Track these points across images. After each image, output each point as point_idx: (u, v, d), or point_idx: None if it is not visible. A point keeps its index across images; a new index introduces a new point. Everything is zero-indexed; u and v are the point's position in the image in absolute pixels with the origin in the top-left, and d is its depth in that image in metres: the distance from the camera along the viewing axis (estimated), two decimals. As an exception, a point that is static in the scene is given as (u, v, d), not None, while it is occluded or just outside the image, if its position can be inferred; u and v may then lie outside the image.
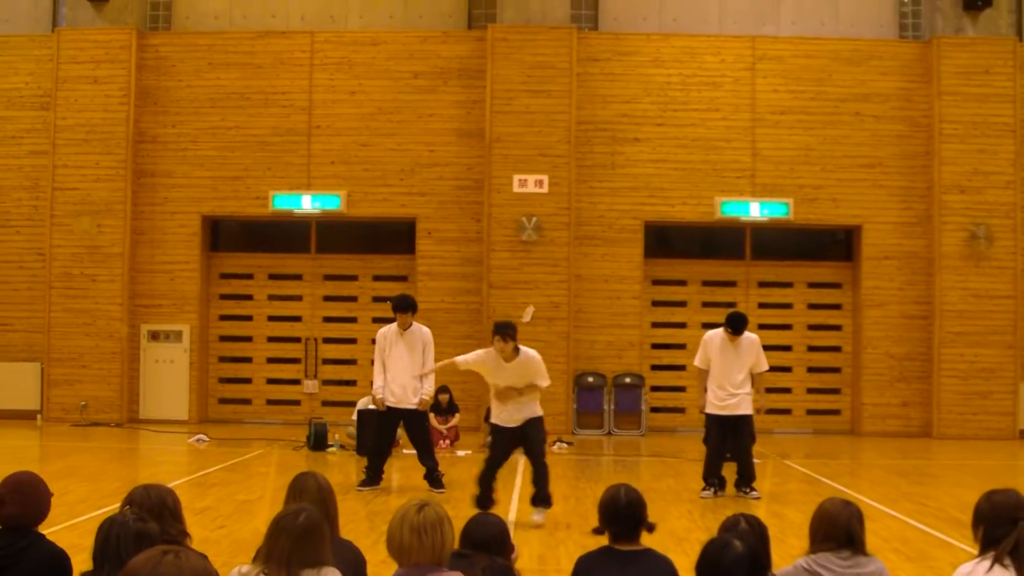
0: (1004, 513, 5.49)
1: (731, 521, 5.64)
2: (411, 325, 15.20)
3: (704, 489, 14.89)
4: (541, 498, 12.81)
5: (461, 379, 22.86)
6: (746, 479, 14.93)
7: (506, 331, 12.77)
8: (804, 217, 24.12)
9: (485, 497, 12.90)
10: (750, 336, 15.23)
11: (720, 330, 15.20)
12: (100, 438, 21.54)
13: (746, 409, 14.96)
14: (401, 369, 15.03)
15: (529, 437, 13.02)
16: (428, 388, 15.20)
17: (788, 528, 11.83)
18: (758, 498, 14.67)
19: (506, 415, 13.04)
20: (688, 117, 24.26)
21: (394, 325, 15.22)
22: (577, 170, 23.88)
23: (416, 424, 15.25)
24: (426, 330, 15.31)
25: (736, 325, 15.03)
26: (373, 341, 15.96)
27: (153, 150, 24.51)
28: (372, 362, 15.88)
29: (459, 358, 13.60)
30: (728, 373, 14.94)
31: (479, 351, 13.63)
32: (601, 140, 24.22)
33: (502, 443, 13.19)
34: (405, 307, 15.24)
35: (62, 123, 24.14)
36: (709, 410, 15.10)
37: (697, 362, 15.35)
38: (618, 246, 24.17)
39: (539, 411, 13.14)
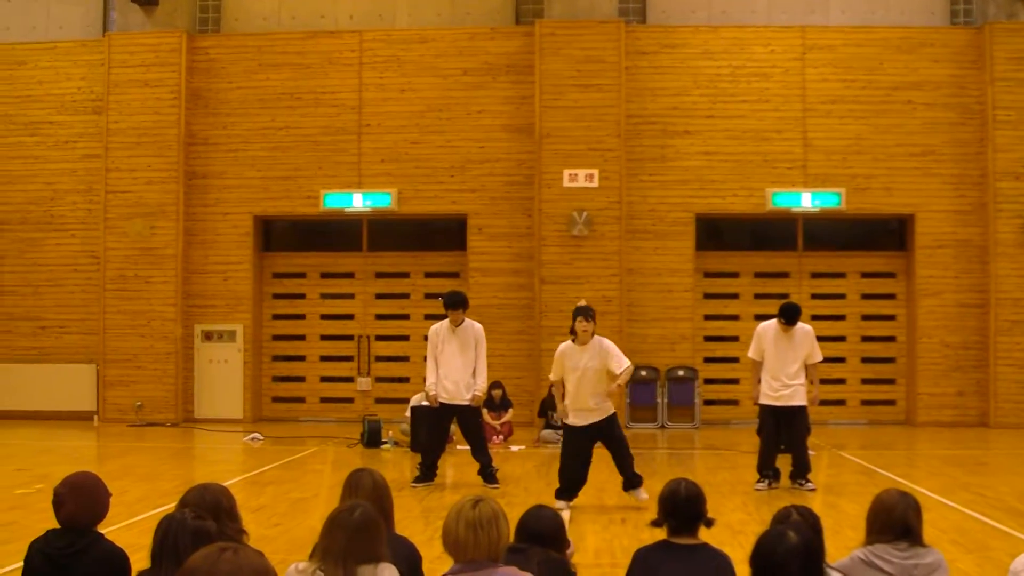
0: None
1: (783, 513, 5.62)
2: (463, 322, 15.21)
3: (759, 481, 14.84)
4: (634, 480, 13.46)
5: (515, 374, 23.00)
6: (801, 471, 14.84)
7: (588, 312, 13.41)
8: (856, 207, 23.95)
9: (567, 491, 13.29)
10: (804, 327, 15.14)
11: (773, 321, 15.16)
12: (156, 438, 21.71)
13: (800, 400, 14.88)
14: (454, 366, 15.05)
15: (610, 436, 13.49)
16: (481, 384, 15.21)
17: (844, 519, 11.77)
18: (813, 490, 14.59)
19: (576, 415, 13.32)
20: (738, 109, 24.15)
21: (446, 322, 15.23)
22: (627, 164, 23.83)
23: (470, 420, 15.26)
24: (478, 326, 15.34)
25: (790, 315, 14.96)
26: (425, 338, 15.97)
27: (204, 152, 24.68)
28: (425, 359, 15.88)
29: (553, 376, 13.80)
30: (782, 364, 14.87)
31: (555, 359, 13.73)
32: (651, 133, 24.16)
33: (575, 443, 13.39)
34: (456, 304, 15.24)
35: (114, 127, 24.35)
36: (763, 401, 15.04)
37: (751, 353, 15.29)
38: (669, 239, 24.10)
39: (611, 408, 13.55)
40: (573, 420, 13.40)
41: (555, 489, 13.45)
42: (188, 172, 24.52)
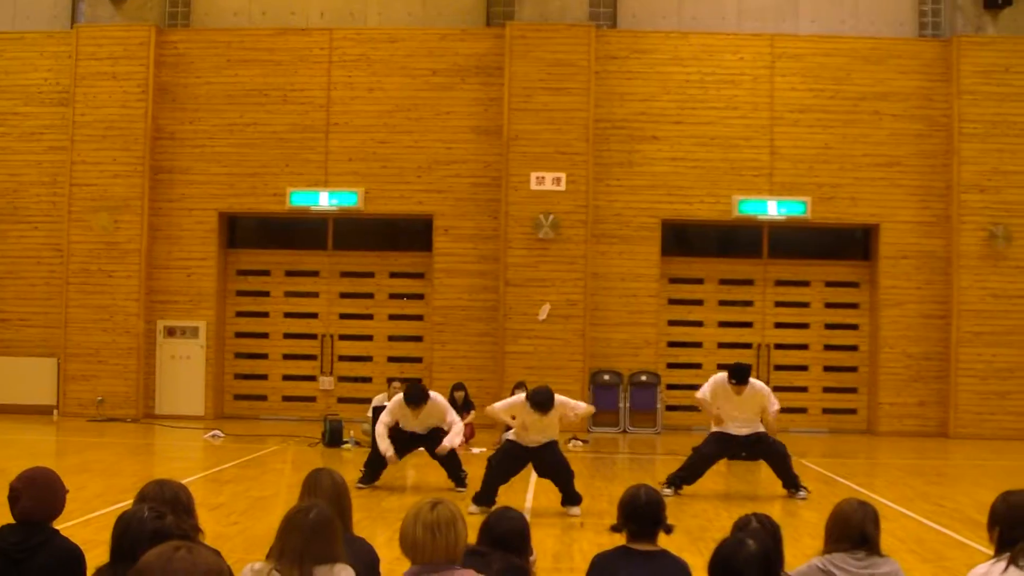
0: (1020, 514, 5.47)
1: (743, 520, 5.63)
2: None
3: (666, 486, 14.44)
4: (573, 497, 13.26)
5: (478, 376, 22.98)
6: (794, 482, 14.76)
7: (546, 407, 12.93)
8: (822, 216, 24.06)
9: (488, 497, 13.18)
10: (755, 384, 14.83)
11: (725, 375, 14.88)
12: (116, 434, 21.58)
13: (759, 427, 14.80)
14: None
15: (549, 461, 13.35)
16: (454, 439, 14.73)
17: (803, 527, 11.80)
18: (804, 498, 14.49)
19: (521, 439, 13.37)
20: (706, 115, 24.22)
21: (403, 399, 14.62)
22: (595, 168, 23.86)
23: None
24: (441, 401, 14.90)
25: (740, 375, 14.60)
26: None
27: (171, 146, 24.56)
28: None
29: (493, 408, 13.68)
30: (734, 418, 14.78)
31: (511, 400, 13.63)
32: (619, 138, 24.20)
33: (513, 459, 13.34)
34: (419, 400, 14.50)
35: (80, 119, 24.21)
36: (717, 428, 14.95)
37: (699, 394, 15.03)
38: (635, 244, 24.14)
39: (556, 435, 13.50)
40: (520, 439, 13.35)
41: (474, 493, 13.39)
42: (154, 167, 24.39)
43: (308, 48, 24.62)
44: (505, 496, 13.24)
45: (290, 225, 25.60)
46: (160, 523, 5.15)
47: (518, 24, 23.98)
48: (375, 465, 14.90)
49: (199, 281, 24.55)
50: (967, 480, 17.67)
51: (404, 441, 14.84)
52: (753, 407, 14.73)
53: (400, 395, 14.75)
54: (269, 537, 5.44)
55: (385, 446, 14.40)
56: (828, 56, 24.23)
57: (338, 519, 5.50)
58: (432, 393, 14.76)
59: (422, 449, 14.99)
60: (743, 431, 14.69)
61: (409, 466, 16.86)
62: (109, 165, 24.14)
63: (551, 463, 13.34)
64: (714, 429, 14.94)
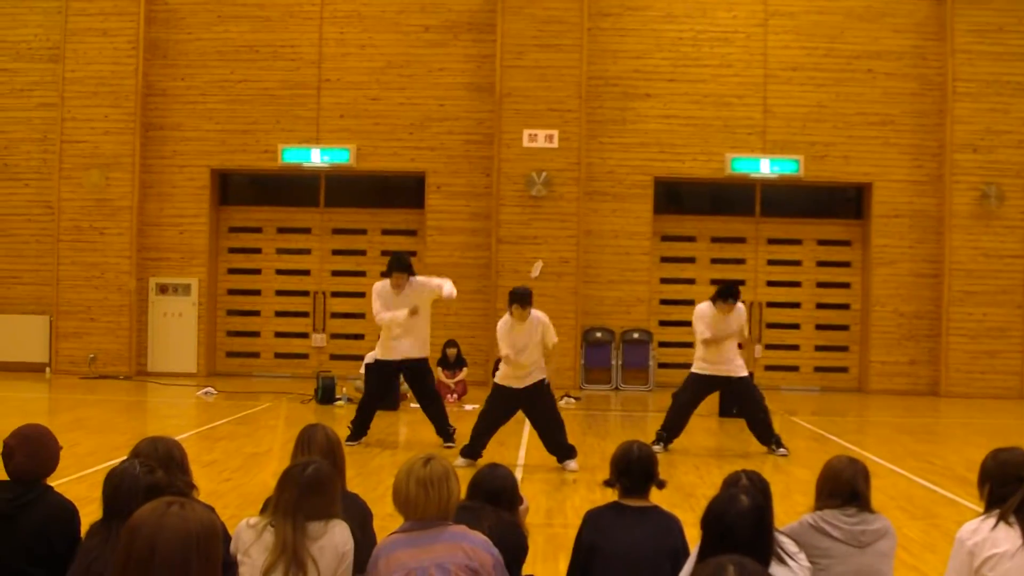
0: (1010, 471, 5.49)
1: (733, 477, 5.66)
2: (407, 284, 14.66)
3: (655, 442, 14.61)
4: (567, 450, 13.29)
5: (470, 333, 23.01)
6: (767, 439, 14.83)
7: (526, 300, 13.06)
8: (815, 174, 24.04)
9: (475, 450, 13.23)
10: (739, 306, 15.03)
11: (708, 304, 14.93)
12: (108, 391, 21.60)
13: (743, 371, 14.92)
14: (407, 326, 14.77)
15: (540, 405, 13.35)
16: (452, 291, 14.73)
17: (794, 485, 11.85)
18: (787, 454, 14.57)
19: (508, 377, 13.25)
20: (700, 73, 24.15)
21: (388, 283, 14.67)
22: (587, 125, 23.81)
23: (422, 378, 15.05)
24: (423, 279, 15.01)
25: (733, 294, 14.78)
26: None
27: (162, 103, 24.46)
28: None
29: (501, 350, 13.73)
30: (729, 335, 14.82)
31: (501, 332, 13.56)
32: (612, 95, 24.13)
33: (504, 403, 13.37)
34: (400, 268, 14.58)
35: (71, 76, 24.07)
36: (697, 370, 15.02)
37: (701, 337, 14.76)
38: (628, 202, 24.12)
39: (545, 373, 13.42)
40: (507, 382, 13.35)
41: (462, 446, 13.45)
42: (145, 123, 24.29)
43: (299, 4, 24.48)
44: (498, 454, 13.29)
45: (282, 182, 25.51)
46: (152, 478, 5.17)
47: (511, -20, 23.89)
48: (363, 421, 14.92)
49: (191, 238, 24.50)
50: (957, 438, 17.75)
51: (389, 375, 15.06)
52: (739, 321, 14.86)
53: (384, 280, 14.76)
54: (263, 493, 5.46)
55: (390, 315, 14.40)
56: (822, 14, 24.14)
57: (336, 476, 5.52)
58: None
59: (414, 406, 14.99)
60: (720, 371, 14.75)
61: (401, 423, 16.90)
62: (100, 122, 24.03)
63: (542, 407, 13.33)
64: (693, 370, 14.99)
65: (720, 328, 14.67)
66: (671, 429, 14.93)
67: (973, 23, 23.62)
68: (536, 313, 13.27)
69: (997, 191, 23.42)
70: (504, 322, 13.32)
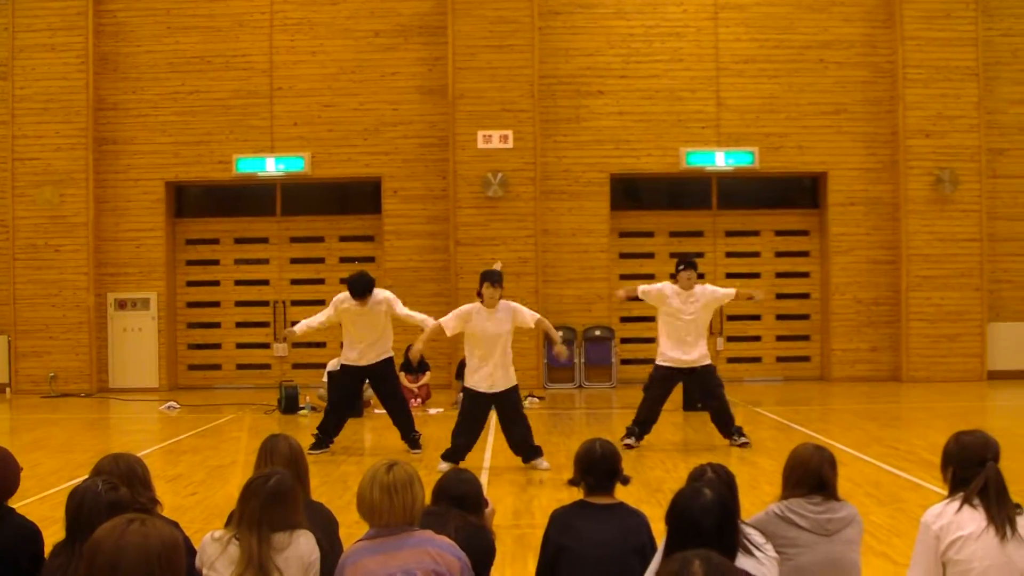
0: (972, 454, 5.51)
1: (698, 471, 5.65)
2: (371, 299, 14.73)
3: (626, 437, 14.74)
4: (534, 450, 13.28)
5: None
6: (728, 431, 14.84)
7: (497, 279, 13.22)
8: (770, 165, 24.14)
9: (457, 454, 13.12)
10: (706, 287, 15.16)
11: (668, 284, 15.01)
12: (70, 409, 21.44)
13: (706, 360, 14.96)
14: (366, 336, 14.85)
15: (510, 403, 13.32)
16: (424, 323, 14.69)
17: (760, 475, 11.89)
18: (748, 444, 14.60)
19: (481, 379, 13.16)
20: (651, 68, 24.22)
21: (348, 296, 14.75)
22: (541, 124, 23.83)
23: (387, 379, 15.08)
24: (387, 294, 15.04)
25: (690, 263, 14.94)
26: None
27: (114, 117, 24.31)
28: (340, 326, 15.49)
29: (441, 320, 13.63)
30: (690, 312, 14.86)
31: (457, 311, 13.57)
32: (565, 94, 24.17)
33: (475, 406, 13.33)
34: (363, 292, 14.67)
35: (20, 92, 23.90)
36: (663, 363, 15.02)
37: (641, 289, 15.06)
38: (584, 199, 24.16)
39: (514, 378, 13.40)
40: (479, 386, 13.30)
41: (444, 450, 13.41)
42: (98, 138, 24.14)
43: (248, 13, 24.39)
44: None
45: (238, 192, 25.41)
46: (115, 495, 5.13)
47: (460, -18, 23.87)
48: (330, 428, 14.88)
49: (148, 252, 24.37)
50: (920, 423, 17.83)
51: (354, 380, 15.21)
52: (704, 299, 14.81)
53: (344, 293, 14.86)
54: (228, 506, 5.42)
55: (302, 327, 15.20)
56: (772, 6, 24.24)
57: (298, 486, 5.49)
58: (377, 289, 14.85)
59: (378, 412, 14.95)
60: (685, 357, 14.75)
61: (366, 429, 16.86)
62: (52, 138, 23.87)
63: (513, 405, 13.29)
64: (657, 363, 14.99)
65: (675, 308, 14.68)
66: (643, 423, 14.95)
67: (922, 10, 23.76)
68: (504, 302, 13.26)
69: (951, 176, 23.58)
70: (470, 307, 13.31)
